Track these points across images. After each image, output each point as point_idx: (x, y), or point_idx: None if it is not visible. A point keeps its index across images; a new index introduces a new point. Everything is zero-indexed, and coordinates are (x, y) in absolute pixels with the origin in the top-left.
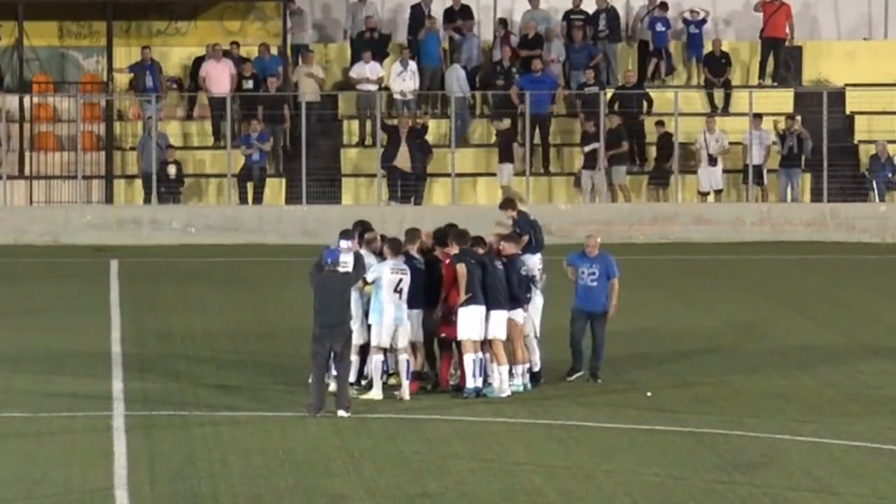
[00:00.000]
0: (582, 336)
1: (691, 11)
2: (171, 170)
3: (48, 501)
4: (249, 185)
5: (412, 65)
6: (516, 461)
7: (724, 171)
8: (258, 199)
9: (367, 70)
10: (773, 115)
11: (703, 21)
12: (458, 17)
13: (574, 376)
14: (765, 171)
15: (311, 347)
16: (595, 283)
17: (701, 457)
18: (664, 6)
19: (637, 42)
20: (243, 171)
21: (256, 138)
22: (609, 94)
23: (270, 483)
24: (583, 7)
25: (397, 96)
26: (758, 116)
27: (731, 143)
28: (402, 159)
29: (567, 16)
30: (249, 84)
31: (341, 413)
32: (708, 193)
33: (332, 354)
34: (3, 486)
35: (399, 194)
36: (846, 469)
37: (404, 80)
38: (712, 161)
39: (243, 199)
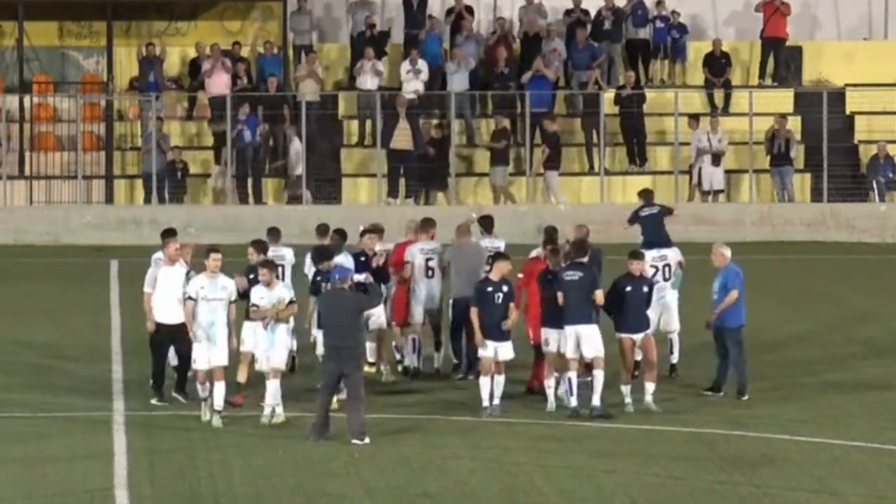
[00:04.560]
0: (722, 352)
1: (673, 13)
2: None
3: (48, 501)
4: (249, 183)
5: (421, 63)
6: (516, 461)
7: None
8: (256, 184)
9: (369, 67)
10: (773, 115)
11: (679, 25)
12: (459, 16)
13: (709, 393)
14: (695, 170)
15: (323, 367)
16: (716, 296)
17: (701, 457)
18: (660, 2)
19: (624, 40)
20: (239, 156)
21: (245, 121)
22: (612, 94)
23: (270, 483)
24: (587, 7)
25: (408, 95)
26: (694, 118)
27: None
28: (403, 137)
29: (568, 14)
30: (244, 81)
31: (356, 442)
32: (709, 193)
33: (340, 376)
34: (3, 486)
35: (403, 192)
36: (846, 469)
37: (413, 78)
38: (715, 161)
39: (243, 199)
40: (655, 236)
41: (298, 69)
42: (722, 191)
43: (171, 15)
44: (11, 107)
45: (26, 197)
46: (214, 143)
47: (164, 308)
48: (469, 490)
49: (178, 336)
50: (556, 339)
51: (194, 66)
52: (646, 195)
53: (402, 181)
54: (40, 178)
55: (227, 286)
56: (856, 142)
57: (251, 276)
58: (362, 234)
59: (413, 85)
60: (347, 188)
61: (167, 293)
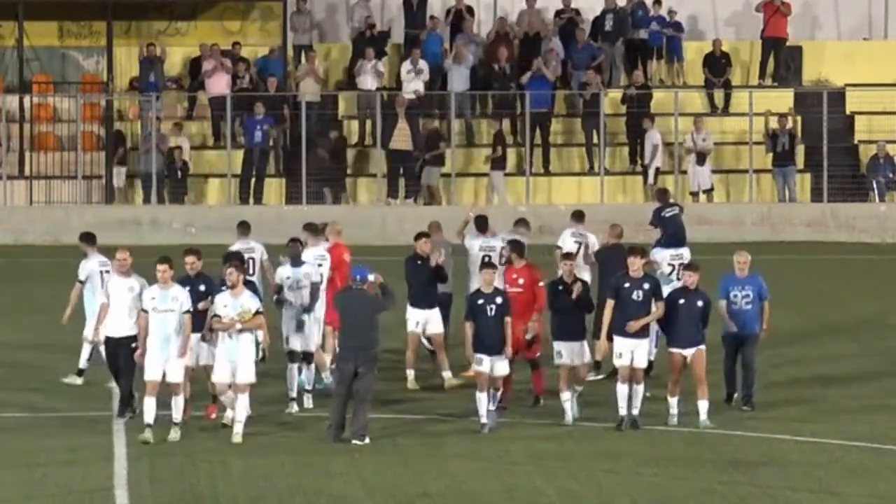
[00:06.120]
0: (735, 363)
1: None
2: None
3: (48, 501)
4: (252, 182)
5: (422, 63)
6: (516, 461)
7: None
8: (259, 186)
9: (369, 67)
10: (773, 115)
11: (675, 23)
12: (459, 17)
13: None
14: (651, 171)
15: (335, 367)
16: (750, 306)
17: (701, 457)
18: (657, 2)
19: (622, 40)
20: (246, 156)
21: (261, 121)
22: (615, 95)
23: (270, 483)
24: (587, 7)
25: (408, 96)
26: (650, 118)
27: (721, 143)
28: (402, 137)
29: (558, 15)
30: (245, 82)
31: (356, 442)
32: (697, 193)
33: (355, 374)
34: (3, 486)
35: (404, 192)
36: (846, 469)
37: (413, 78)
38: (700, 160)
39: (244, 199)
40: (677, 236)
41: (298, 69)
42: (711, 189)
43: (171, 15)
44: (11, 107)
45: (26, 197)
46: (108, 143)
47: (112, 321)
48: (469, 490)
49: (122, 349)
50: (569, 352)
51: (194, 66)
52: (663, 195)
53: (401, 181)
54: (40, 178)
55: (179, 297)
56: (856, 142)
57: (187, 288)
58: (416, 238)
59: (414, 85)
60: (347, 188)
61: (115, 305)
